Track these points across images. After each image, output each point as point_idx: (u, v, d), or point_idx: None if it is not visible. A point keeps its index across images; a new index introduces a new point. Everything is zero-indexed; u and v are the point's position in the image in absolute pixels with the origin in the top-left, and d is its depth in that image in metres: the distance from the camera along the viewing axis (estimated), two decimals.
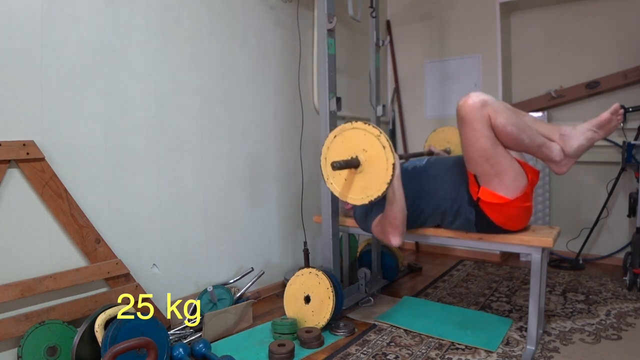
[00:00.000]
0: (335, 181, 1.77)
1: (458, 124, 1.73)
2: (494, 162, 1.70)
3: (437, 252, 3.57)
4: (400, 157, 2.23)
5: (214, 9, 2.30)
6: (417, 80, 3.66)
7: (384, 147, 1.64)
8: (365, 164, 1.69)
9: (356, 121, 1.72)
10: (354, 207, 2.22)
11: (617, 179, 2.90)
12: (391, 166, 1.62)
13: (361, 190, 1.70)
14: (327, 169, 1.79)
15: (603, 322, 2.08)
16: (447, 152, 2.59)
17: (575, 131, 1.75)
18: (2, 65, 1.55)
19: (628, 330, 1.98)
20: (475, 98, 1.65)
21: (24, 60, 1.60)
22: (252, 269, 2.39)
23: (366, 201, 1.69)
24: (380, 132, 1.65)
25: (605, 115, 1.71)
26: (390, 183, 1.63)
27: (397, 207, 1.81)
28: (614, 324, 2.05)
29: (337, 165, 1.64)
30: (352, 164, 1.69)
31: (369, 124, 1.68)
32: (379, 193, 1.65)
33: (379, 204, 1.95)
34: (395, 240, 1.86)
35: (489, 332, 1.99)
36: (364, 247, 2.73)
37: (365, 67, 3.34)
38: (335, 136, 1.77)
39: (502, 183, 1.72)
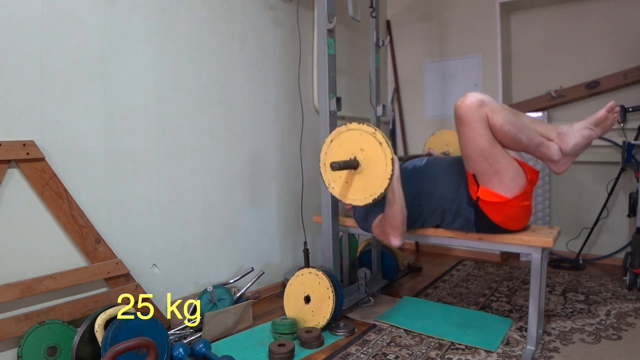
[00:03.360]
0: (337, 185, 1.77)
1: (456, 123, 1.73)
2: (493, 161, 1.70)
3: (437, 252, 3.57)
4: (400, 159, 2.23)
5: (214, 9, 2.30)
6: (417, 80, 3.66)
7: (380, 143, 1.64)
8: (364, 163, 1.69)
9: (351, 122, 1.72)
10: (354, 207, 2.22)
11: (617, 179, 2.90)
12: (390, 161, 1.62)
13: (363, 190, 1.70)
14: (327, 175, 1.80)
15: (603, 322, 2.08)
16: (446, 154, 2.59)
17: (572, 129, 1.75)
18: (2, 65, 1.55)
19: (628, 330, 1.98)
20: (472, 98, 1.66)
21: (24, 60, 1.60)
22: (252, 269, 2.39)
23: (369, 200, 1.68)
24: (375, 130, 1.65)
25: (601, 112, 1.72)
26: (391, 178, 1.62)
27: (397, 208, 1.81)
28: (614, 324, 2.05)
29: (336, 166, 1.64)
30: (351, 165, 1.69)
31: (364, 123, 1.68)
32: (381, 190, 1.65)
33: (378, 205, 1.94)
34: (395, 241, 1.86)
35: (489, 332, 1.99)
36: (364, 247, 2.73)
37: (365, 67, 3.34)
38: (331, 141, 1.77)
39: (501, 182, 1.73)
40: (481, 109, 1.66)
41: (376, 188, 1.66)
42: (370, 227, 2.03)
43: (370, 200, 1.68)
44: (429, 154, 2.55)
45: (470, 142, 1.70)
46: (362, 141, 1.68)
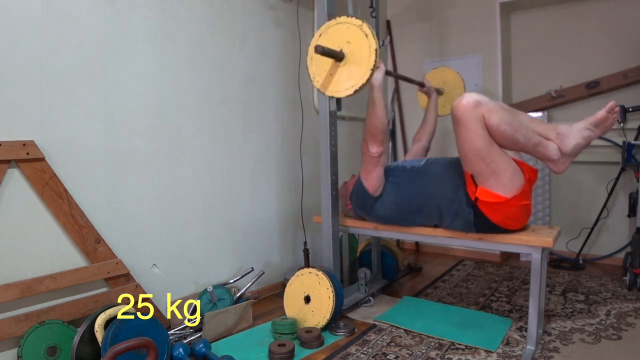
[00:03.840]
0: (321, 77, 1.77)
1: (453, 124, 1.74)
2: (490, 161, 1.70)
3: (437, 252, 3.57)
4: (389, 73, 2.28)
5: (214, 9, 2.30)
6: (417, 80, 3.66)
7: (366, 35, 1.65)
8: (349, 55, 1.69)
9: (340, 16, 1.73)
10: (351, 194, 2.23)
11: (617, 179, 2.90)
12: (374, 52, 1.62)
13: (345, 82, 1.70)
14: (312, 67, 1.80)
15: (603, 322, 2.08)
16: (440, 92, 2.57)
17: (571, 130, 1.75)
18: (2, 66, 1.55)
19: (628, 330, 1.98)
20: (469, 98, 1.68)
21: (24, 60, 1.60)
22: (252, 269, 2.40)
23: (351, 92, 1.68)
24: (363, 22, 1.67)
25: (601, 113, 1.71)
26: (373, 68, 1.63)
27: (376, 116, 1.95)
28: (614, 324, 2.05)
29: (320, 49, 1.63)
30: (336, 55, 1.69)
31: (353, 17, 1.70)
32: (363, 81, 1.64)
33: (373, 198, 2.10)
34: (374, 148, 1.99)
35: (489, 332, 1.99)
36: (364, 247, 2.73)
37: None
38: (320, 35, 1.78)
39: (498, 182, 1.73)
40: (477, 109, 1.67)
41: (358, 79, 1.66)
42: (359, 184, 2.11)
43: (351, 92, 1.68)
44: (421, 83, 2.56)
45: (467, 142, 1.71)
46: (349, 34, 1.69)
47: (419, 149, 2.52)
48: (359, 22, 1.67)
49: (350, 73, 1.68)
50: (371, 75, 1.63)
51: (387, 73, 2.20)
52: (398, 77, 2.23)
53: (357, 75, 1.66)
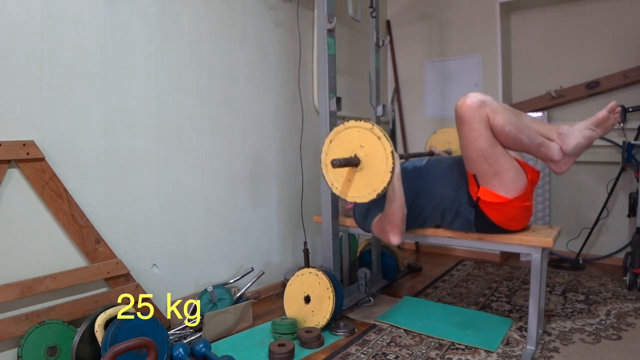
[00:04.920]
0: (339, 184, 1.77)
1: (457, 124, 1.73)
2: (493, 162, 1.70)
3: (437, 252, 3.57)
4: (401, 157, 2.23)
5: (214, 9, 2.30)
6: (417, 80, 3.66)
7: (378, 138, 1.64)
8: (364, 159, 1.69)
9: (348, 121, 1.73)
10: (354, 207, 2.22)
11: (617, 179, 2.90)
12: (390, 154, 1.62)
13: (365, 187, 1.70)
14: (329, 175, 1.80)
15: (603, 322, 2.08)
16: (448, 152, 2.59)
17: (573, 130, 1.75)
18: (2, 65, 1.55)
19: (628, 330, 1.98)
20: (473, 98, 1.66)
21: (24, 60, 1.60)
22: (252, 269, 2.39)
23: (373, 196, 1.68)
24: (373, 125, 1.66)
25: (602, 113, 1.71)
26: (392, 171, 1.62)
27: (397, 205, 1.81)
28: (614, 324, 2.05)
29: (337, 163, 1.64)
30: (352, 162, 1.69)
31: (361, 120, 1.69)
32: (384, 184, 1.64)
33: (378, 203, 1.94)
34: (394, 239, 1.85)
35: (489, 332, 1.99)
36: (364, 247, 2.73)
37: (365, 67, 3.34)
38: (330, 141, 1.78)
39: (501, 182, 1.72)
40: (482, 109, 1.65)
41: (378, 182, 1.66)
42: (370, 226, 2.03)
43: (374, 196, 1.68)
44: (431, 153, 2.55)
45: (471, 142, 1.70)
46: (360, 138, 1.69)
47: None
48: (369, 125, 1.67)
49: (369, 177, 1.68)
50: (391, 178, 1.63)
51: (400, 157, 2.17)
52: (409, 157, 2.23)
53: (377, 180, 1.66)
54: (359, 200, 1.73)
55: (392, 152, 1.62)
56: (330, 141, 1.77)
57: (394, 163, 1.62)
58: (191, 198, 2.21)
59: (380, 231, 1.92)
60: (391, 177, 1.63)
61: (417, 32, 3.64)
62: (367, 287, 2.37)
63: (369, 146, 1.67)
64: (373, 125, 1.66)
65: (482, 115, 1.65)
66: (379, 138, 1.64)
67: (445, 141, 2.64)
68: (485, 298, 2.47)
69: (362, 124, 1.68)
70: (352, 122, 1.71)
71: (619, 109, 1.72)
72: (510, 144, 1.71)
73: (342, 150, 1.73)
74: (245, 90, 2.48)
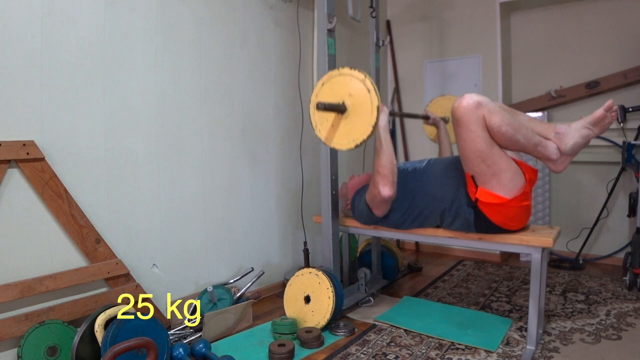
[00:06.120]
0: (324, 128, 1.77)
1: (453, 125, 1.74)
2: (491, 163, 1.70)
3: (437, 252, 3.57)
4: (392, 114, 2.25)
5: (214, 9, 2.30)
6: (417, 80, 3.66)
7: (368, 90, 1.64)
8: (351, 108, 1.69)
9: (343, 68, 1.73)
10: (352, 203, 2.23)
11: (617, 179, 2.90)
12: (376, 109, 1.62)
13: (347, 135, 1.71)
14: (315, 117, 1.80)
15: (603, 322, 2.08)
16: (446, 120, 2.58)
17: (570, 129, 1.75)
18: (2, 65, 1.55)
19: (628, 330, 1.98)
20: (469, 99, 1.66)
21: (24, 60, 1.60)
22: (252, 269, 2.40)
23: (352, 145, 1.69)
24: (365, 76, 1.66)
25: (599, 112, 1.71)
26: (375, 126, 1.63)
27: (385, 156, 1.85)
28: (614, 324, 2.05)
29: (321, 106, 1.64)
30: (337, 109, 1.69)
31: (356, 69, 1.69)
32: (364, 137, 1.65)
33: (368, 189, 2.02)
34: (384, 190, 1.88)
35: (489, 332, 1.98)
36: (364, 247, 2.73)
37: (365, 67, 3.34)
38: (323, 84, 1.77)
39: (499, 183, 1.73)
40: (478, 110, 1.66)
41: (359, 134, 1.67)
42: (365, 204, 2.06)
43: (352, 146, 1.69)
44: (426, 116, 2.55)
45: (468, 143, 1.70)
46: (351, 86, 1.69)
47: None
48: (361, 75, 1.66)
49: (353, 127, 1.69)
50: (372, 132, 1.64)
51: (391, 114, 2.20)
52: (402, 116, 2.23)
53: (359, 131, 1.67)
54: (338, 148, 1.74)
55: (378, 106, 1.62)
56: (323, 84, 1.77)
57: (377, 118, 1.62)
58: (191, 198, 2.21)
59: (372, 192, 1.95)
60: (372, 132, 1.64)
61: (417, 32, 3.64)
62: (367, 287, 2.37)
63: (357, 96, 1.67)
64: (365, 76, 1.66)
65: (479, 116, 1.66)
66: (369, 90, 1.64)
67: (443, 108, 2.64)
68: (485, 298, 2.47)
69: (355, 73, 1.68)
70: (346, 69, 1.71)
71: (615, 107, 1.72)
72: (507, 144, 1.72)
73: (332, 95, 1.73)
74: (245, 90, 2.48)
